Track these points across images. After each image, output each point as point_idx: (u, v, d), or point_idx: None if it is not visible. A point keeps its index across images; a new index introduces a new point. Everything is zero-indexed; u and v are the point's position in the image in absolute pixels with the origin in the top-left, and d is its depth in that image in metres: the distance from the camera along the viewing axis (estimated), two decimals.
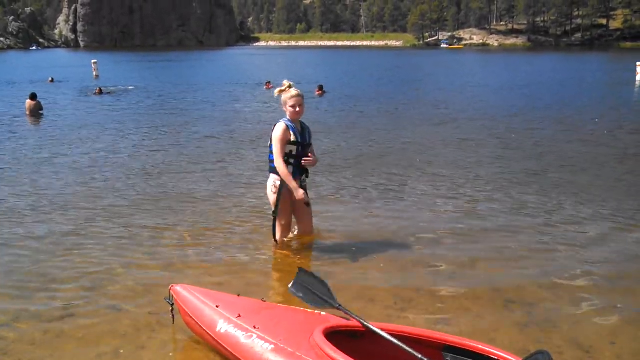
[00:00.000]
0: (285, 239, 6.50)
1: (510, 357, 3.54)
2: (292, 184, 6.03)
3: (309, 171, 6.37)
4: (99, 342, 4.47)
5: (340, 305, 4.04)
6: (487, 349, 3.64)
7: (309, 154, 6.21)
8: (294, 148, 6.06)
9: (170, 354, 4.35)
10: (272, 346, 3.66)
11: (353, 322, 3.94)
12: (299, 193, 6.06)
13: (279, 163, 6.01)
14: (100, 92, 25.47)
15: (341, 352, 3.49)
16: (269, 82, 29.53)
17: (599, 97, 24.48)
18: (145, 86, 30.89)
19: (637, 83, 30.81)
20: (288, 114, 6.09)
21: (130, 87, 29.58)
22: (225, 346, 3.88)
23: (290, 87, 6.10)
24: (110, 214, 7.75)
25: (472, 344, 3.71)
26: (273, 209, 6.27)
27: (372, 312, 4.86)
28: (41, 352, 4.36)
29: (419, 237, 6.87)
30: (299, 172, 6.20)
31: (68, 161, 11.53)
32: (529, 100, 23.37)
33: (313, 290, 4.25)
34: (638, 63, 32.53)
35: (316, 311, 4.15)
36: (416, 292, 5.38)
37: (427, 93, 27.26)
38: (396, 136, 14.51)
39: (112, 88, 28.40)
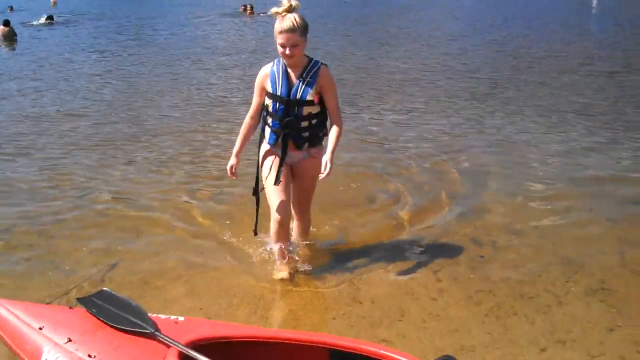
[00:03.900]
0: (275, 235, 4.54)
1: None
2: (235, 149, 4.49)
3: (317, 136, 4.40)
4: None
5: (157, 330, 2.95)
6: (385, 352, 2.91)
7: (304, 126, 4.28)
8: (270, 103, 4.28)
9: None
10: None
11: (222, 330, 3.10)
12: (229, 164, 4.48)
13: (245, 117, 4.50)
14: (51, 20, 23.88)
15: None
16: (247, 6, 24.32)
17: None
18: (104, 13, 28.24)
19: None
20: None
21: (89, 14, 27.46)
22: None
23: (289, 10, 4.02)
24: None
25: (364, 347, 2.96)
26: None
27: None
28: None
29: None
30: (283, 137, 4.30)
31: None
32: None
33: (118, 311, 3.18)
34: None
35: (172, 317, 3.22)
36: None
37: None
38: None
39: (68, 16, 26.60)
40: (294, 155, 4.40)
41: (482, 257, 4.83)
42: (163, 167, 7.09)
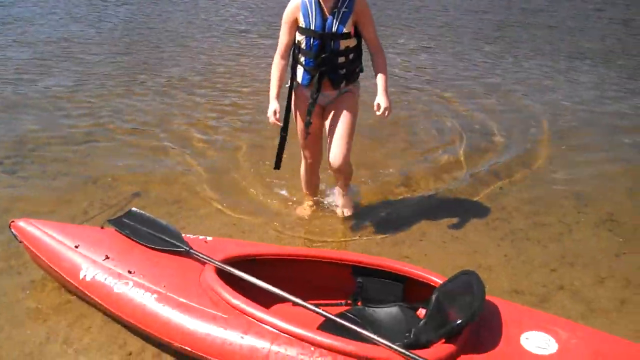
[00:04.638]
0: (306, 185, 4.63)
1: (432, 277, 3.01)
2: (272, 93, 4.00)
3: (354, 71, 4.07)
4: None
5: (191, 249, 3.18)
6: (406, 268, 3.14)
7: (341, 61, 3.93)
8: (303, 39, 3.90)
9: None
10: (155, 295, 2.95)
11: (249, 249, 3.31)
12: (271, 110, 3.98)
13: (275, 57, 4.09)
14: None
15: (240, 295, 2.84)
16: None
17: None
18: None
19: None
20: None
21: None
22: (94, 297, 3.11)
23: None
24: None
25: (385, 262, 3.19)
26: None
27: None
28: None
29: None
30: (319, 76, 3.95)
31: None
32: None
33: (151, 231, 3.37)
34: None
35: (200, 237, 3.45)
36: None
37: None
38: None
39: None
40: (328, 94, 4.06)
41: (501, 189, 5.09)
42: (192, 95, 7.28)
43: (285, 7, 3.94)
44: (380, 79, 3.93)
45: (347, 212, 4.55)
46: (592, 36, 11.09)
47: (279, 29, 4.02)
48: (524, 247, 4.22)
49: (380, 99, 3.86)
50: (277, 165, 4.31)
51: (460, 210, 4.75)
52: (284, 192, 4.88)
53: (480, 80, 8.29)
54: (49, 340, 3.20)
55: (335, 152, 4.05)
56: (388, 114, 3.88)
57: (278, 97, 4.02)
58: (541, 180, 5.29)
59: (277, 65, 4.05)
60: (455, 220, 4.57)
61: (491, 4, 13.83)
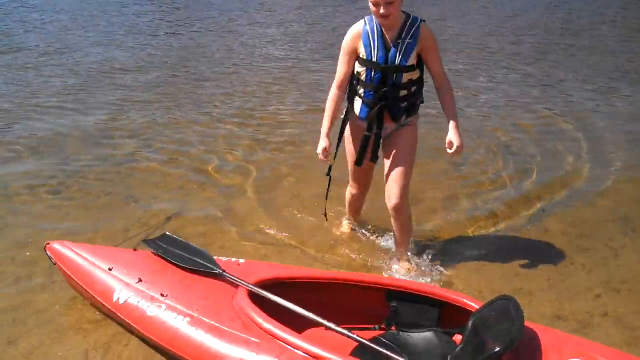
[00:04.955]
0: (349, 208, 4.49)
1: (469, 302, 2.92)
2: (324, 129, 3.72)
3: (415, 104, 3.81)
4: None
5: (224, 271, 3.17)
6: (441, 292, 3.07)
7: (404, 96, 3.68)
8: (363, 71, 3.64)
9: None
10: (188, 319, 2.95)
11: (282, 272, 3.29)
12: (321, 147, 3.71)
13: (332, 88, 3.78)
14: None
15: (273, 319, 2.81)
16: None
17: None
18: None
19: None
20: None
21: None
22: (127, 320, 3.13)
23: None
24: None
25: (421, 287, 3.11)
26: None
27: None
28: None
29: None
30: (379, 109, 3.69)
31: None
32: None
33: (184, 253, 3.38)
34: None
35: (233, 259, 3.43)
36: None
37: None
38: None
39: None
40: (387, 126, 3.80)
41: (543, 211, 4.96)
42: (230, 124, 7.25)
43: (340, 35, 3.77)
44: (451, 114, 3.62)
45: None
46: (632, 57, 10.83)
47: (325, 59, 3.92)
48: (568, 272, 4.09)
49: (453, 137, 3.55)
50: (325, 212, 4.30)
51: (499, 231, 4.65)
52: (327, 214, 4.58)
53: (520, 102, 8.13)
54: (88, 356, 3.25)
55: (393, 191, 3.80)
56: (460, 152, 3.60)
57: (329, 133, 3.74)
58: (585, 203, 5.14)
59: (332, 98, 3.75)
60: (494, 242, 4.48)
61: (530, 27, 13.64)
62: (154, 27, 13.43)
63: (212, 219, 4.83)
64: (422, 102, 3.87)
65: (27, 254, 4.26)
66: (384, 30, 3.53)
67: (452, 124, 3.58)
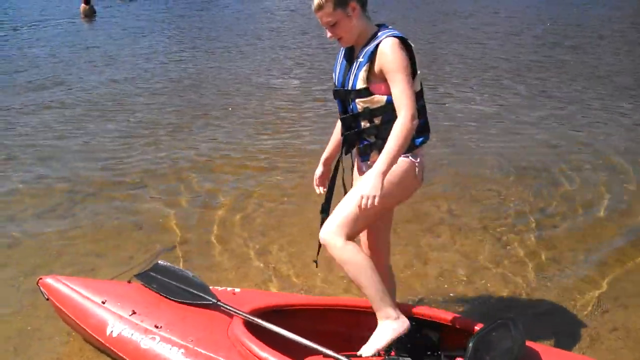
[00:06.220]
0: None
1: (469, 324, 2.89)
2: (323, 154, 3.31)
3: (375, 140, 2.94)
4: None
5: (219, 301, 3.08)
6: (441, 315, 3.03)
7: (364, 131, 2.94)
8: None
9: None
10: (182, 350, 2.88)
11: (278, 299, 3.25)
12: (315, 174, 3.31)
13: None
14: None
15: (269, 348, 2.75)
16: None
17: None
18: None
19: None
20: None
21: None
22: (121, 354, 3.06)
23: None
24: None
25: (424, 311, 3.06)
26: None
27: None
28: None
29: None
30: (343, 142, 3.07)
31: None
32: None
33: (177, 284, 3.30)
34: None
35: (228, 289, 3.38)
36: None
37: None
38: None
39: None
40: (362, 165, 3.09)
41: (554, 227, 4.91)
42: (242, 140, 7.29)
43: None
44: (384, 148, 2.73)
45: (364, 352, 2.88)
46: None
47: None
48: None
49: (369, 172, 2.73)
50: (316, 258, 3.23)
51: (502, 251, 4.57)
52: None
53: (529, 131, 7.81)
54: None
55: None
56: (365, 202, 2.66)
57: (327, 160, 3.28)
58: (591, 217, 5.10)
59: (337, 124, 3.25)
60: (500, 265, 4.39)
61: (534, 44, 13.68)
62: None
63: (212, 246, 4.79)
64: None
65: (33, 282, 4.12)
66: (355, 46, 2.94)
67: (379, 161, 2.70)
